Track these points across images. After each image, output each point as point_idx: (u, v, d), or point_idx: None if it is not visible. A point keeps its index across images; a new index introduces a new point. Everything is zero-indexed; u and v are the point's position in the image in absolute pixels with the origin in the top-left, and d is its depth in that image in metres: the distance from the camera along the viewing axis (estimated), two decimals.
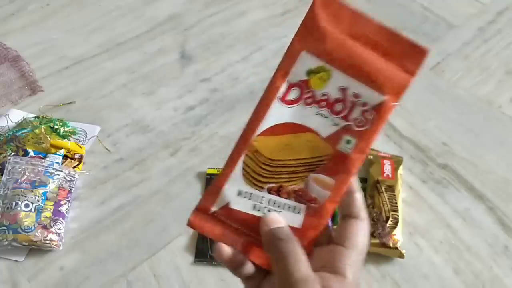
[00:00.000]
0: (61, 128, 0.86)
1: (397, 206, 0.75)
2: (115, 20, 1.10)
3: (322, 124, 0.40)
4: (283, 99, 0.40)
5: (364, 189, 0.79)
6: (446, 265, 0.73)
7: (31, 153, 0.80)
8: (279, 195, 0.40)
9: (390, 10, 1.11)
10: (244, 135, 0.41)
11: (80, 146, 0.84)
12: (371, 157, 0.82)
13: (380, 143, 0.86)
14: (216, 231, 0.41)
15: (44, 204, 0.74)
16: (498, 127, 0.90)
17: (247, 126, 0.41)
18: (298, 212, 0.40)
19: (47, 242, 0.72)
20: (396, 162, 0.81)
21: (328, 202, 0.40)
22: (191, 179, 0.82)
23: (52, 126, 0.85)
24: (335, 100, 0.39)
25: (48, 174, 0.77)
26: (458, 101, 0.94)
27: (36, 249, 0.73)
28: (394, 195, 0.76)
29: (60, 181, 0.77)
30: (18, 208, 0.73)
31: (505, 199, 0.80)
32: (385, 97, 0.39)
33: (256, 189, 0.41)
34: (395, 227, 0.73)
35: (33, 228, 0.72)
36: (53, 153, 0.81)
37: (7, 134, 0.84)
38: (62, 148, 0.82)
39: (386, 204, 0.75)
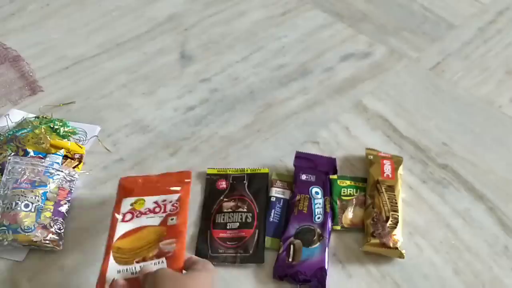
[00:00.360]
0: (61, 128, 0.86)
1: (397, 206, 0.75)
2: (115, 20, 1.10)
3: (152, 220, 0.71)
4: (123, 221, 0.71)
5: (364, 189, 0.79)
6: (446, 265, 0.73)
7: (31, 153, 0.80)
8: (146, 261, 0.65)
9: (390, 10, 1.11)
10: (107, 243, 0.69)
11: (80, 146, 0.84)
12: (371, 157, 0.82)
13: (380, 143, 0.87)
14: None
15: (44, 204, 0.74)
16: (498, 127, 0.90)
17: (108, 238, 0.70)
18: (162, 262, 0.65)
19: (47, 242, 0.72)
20: (396, 162, 0.81)
21: (177, 250, 0.66)
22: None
23: (52, 126, 0.85)
24: (154, 208, 0.72)
25: (48, 174, 0.77)
26: (458, 101, 0.94)
27: (36, 249, 0.73)
28: (394, 195, 0.76)
29: (60, 181, 0.77)
30: (18, 208, 0.73)
31: (505, 199, 0.80)
32: (178, 194, 0.74)
33: (129, 265, 0.66)
34: (395, 227, 0.72)
35: (33, 228, 0.72)
36: (53, 153, 0.81)
37: (7, 134, 0.84)
38: (62, 148, 0.82)
39: (386, 204, 0.75)
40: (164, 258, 0.65)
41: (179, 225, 0.70)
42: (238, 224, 0.75)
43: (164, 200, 0.73)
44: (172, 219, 0.70)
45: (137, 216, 0.71)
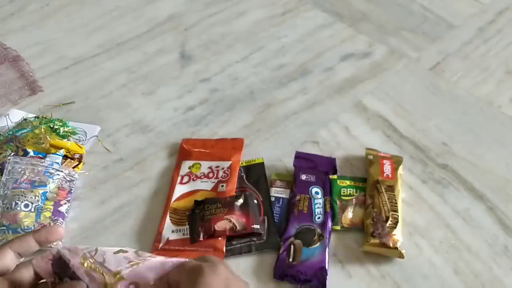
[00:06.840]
0: (61, 128, 0.86)
1: (397, 206, 0.75)
2: (115, 20, 1.10)
3: (205, 185, 0.77)
4: (180, 183, 0.78)
5: (364, 189, 0.79)
6: (446, 265, 0.73)
7: (31, 153, 0.80)
8: None
9: (390, 10, 1.11)
10: (166, 203, 0.76)
11: (80, 146, 0.84)
12: (371, 157, 0.82)
13: (380, 143, 0.87)
14: (168, 255, 0.69)
15: (44, 204, 0.74)
16: (498, 127, 0.90)
17: (166, 199, 0.77)
18: None
19: None
20: (396, 162, 0.81)
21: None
22: None
23: (52, 126, 0.85)
24: (208, 173, 0.78)
25: (48, 174, 0.77)
26: (458, 101, 0.94)
27: None
28: (394, 195, 0.76)
29: (60, 181, 0.77)
30: (18, 208, 0.73)
31: (505, 199, 0.80)
32: (230, 162, 0.79)
33: (181, 226, 0.73)
34: (395, 227, 0.72)
35: (33, 228, 0.72)
36: (53, 153, 0.81)
37: (7, 134, 0.84)
38: (62, 148, 0.82)
39: (386, 204, 0.75)
40: None
41: (227, 192, 0.75)
42: None
43: (217, 166, 0.78)
44: (222, 186, 0.76)
45: (193, 180, 0.77)
